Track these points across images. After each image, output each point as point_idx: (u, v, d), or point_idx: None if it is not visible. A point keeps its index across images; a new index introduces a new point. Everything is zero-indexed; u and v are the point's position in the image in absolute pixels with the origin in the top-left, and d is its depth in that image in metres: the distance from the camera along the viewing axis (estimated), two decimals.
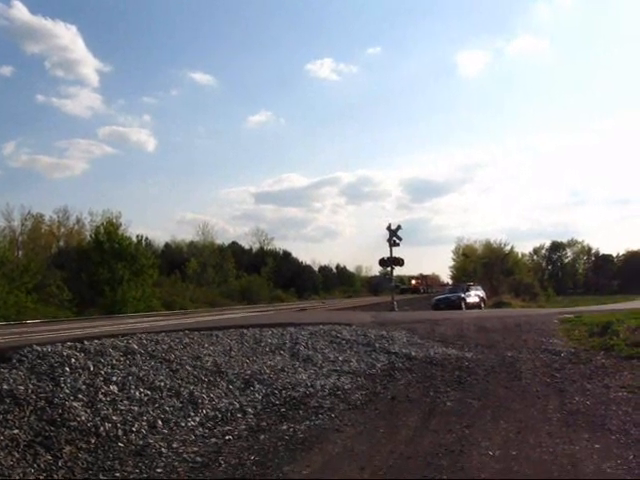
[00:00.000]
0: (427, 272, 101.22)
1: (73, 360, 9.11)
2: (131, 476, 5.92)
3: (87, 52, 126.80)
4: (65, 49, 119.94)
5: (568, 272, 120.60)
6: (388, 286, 43.26)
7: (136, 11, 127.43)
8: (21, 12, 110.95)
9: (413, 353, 13.57)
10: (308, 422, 7.99)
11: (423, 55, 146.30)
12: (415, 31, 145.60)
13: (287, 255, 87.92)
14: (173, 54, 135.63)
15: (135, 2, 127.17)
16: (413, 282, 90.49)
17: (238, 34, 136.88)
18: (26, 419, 6.89)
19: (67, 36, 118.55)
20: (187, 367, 10.06)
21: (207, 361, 10.67)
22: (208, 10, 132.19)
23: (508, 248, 79.29)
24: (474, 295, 40.91)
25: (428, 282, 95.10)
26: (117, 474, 5.96)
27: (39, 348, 9.54)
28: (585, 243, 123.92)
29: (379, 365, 12.33)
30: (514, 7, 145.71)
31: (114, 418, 7.42)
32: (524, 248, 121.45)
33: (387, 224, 35.17)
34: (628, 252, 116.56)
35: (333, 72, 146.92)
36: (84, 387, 8.17)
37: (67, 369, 8.70)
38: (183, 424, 7.79)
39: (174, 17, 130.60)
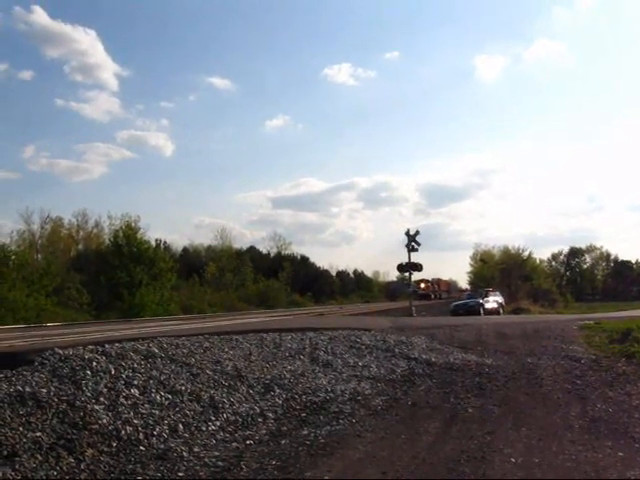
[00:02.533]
0: (445, 277, 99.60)
1: (94, 363, 9.15)
2: None
3: (106, 56, 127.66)
4: (84, 54, 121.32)
5: (587, 278, 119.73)
6: (406, 291, 43.17)
7: (155, 16, 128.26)
8: (41, 17, 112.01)
9: (433, 359, 13.53)
10: (329, 427, 7.97)
11: (441, 60, 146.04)
12: (433, 36, 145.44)
13: (305, 260, 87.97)
14: (191, 59, 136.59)
15: (154, 7, 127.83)
16: (422, 286, 79.57)
17: (256, 38, 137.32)
18: (48, 422, 6.92)
19: (86, 41, 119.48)
20: (207, 371, 10.07)
21: (227, 365, 10.67)
22: (226, 15, 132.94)
23: (526, 254, 78.84)
24: (492, 301, 40.81)
25: (441, 287, 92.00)
26: (139, 478, 5.96)
27: (61, 351, 9.59)
28: (604, 249, 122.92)
29: (399, 371, 12.29)
30: (533, 12, 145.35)
31: (135, 422, 7.44)
32: (542, 254, 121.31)
33: (405, 229, 35.14)
34: None
35: (351, 77, 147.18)
36: (105, 390, 8.20)
37: (89, 372, 8.73)
38: (204, 428, 7.79)
39: (192, 22, 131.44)
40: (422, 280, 78.41)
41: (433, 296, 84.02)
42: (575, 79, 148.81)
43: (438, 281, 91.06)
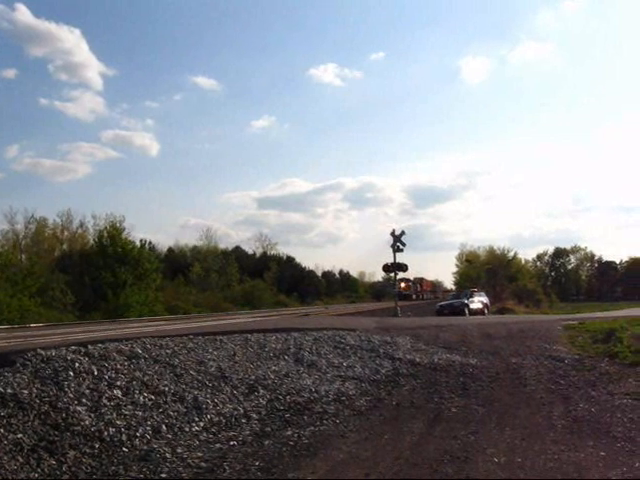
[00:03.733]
0: (430, 277, 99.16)
1: (77, 364, 9.08)
2: None
3: (91, 55, 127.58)
4: (69, 52, 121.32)
5: (571, 278, 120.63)
6: (391, 292, 43.24)
7: (141, 15, 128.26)
8: (24, 15, 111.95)
9: (417, 359, 13.55)
10: (313, 428, 7.97)
11: (427, 61, 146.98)
12: (419, 37, 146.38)
13: (290, 260, 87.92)
14: (177, 58, 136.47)
15: (140, 6, 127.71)
16: (402, 285, 67.72)
17: (242, 39, 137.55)
18: (30, 423, 6.87)
19: (71, 39, 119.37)
20: (191, 372, 10.04)
21: (211, 366, 10.64)
22: (212, 14, 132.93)
23: (511, 254, 79.39)
24: (477, 301, 40.88)
25: (424, 286, 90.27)
26: (121, 479, 5.94)
27: (43, 352, 9.50)
28: (588, 250, 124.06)
29: (383, 371, 12.30)
30: (518, 14, 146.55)
31: (118, 423, 7.41)
32: (527, 254, 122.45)
33: (390, 230, 35.08)
34: (631, 259, 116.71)
35: (337, 77, 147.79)
36: (88, 391, 8.15)
37: (71, 373, 8.66)
38: (187, 429, 7.77)
39: (178, 21, 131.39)
40: (402, 279, 70.22)
41: (415, 296, 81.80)
42: (561, 81, 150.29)
43: (420, 280, 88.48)
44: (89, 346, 10.47)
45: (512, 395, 10.13)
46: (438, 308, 40.38)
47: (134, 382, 8.93)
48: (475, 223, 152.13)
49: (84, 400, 7.84)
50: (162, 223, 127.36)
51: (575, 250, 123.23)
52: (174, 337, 12.78)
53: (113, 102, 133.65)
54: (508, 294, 66.20)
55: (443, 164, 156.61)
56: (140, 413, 7.89)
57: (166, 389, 8.91)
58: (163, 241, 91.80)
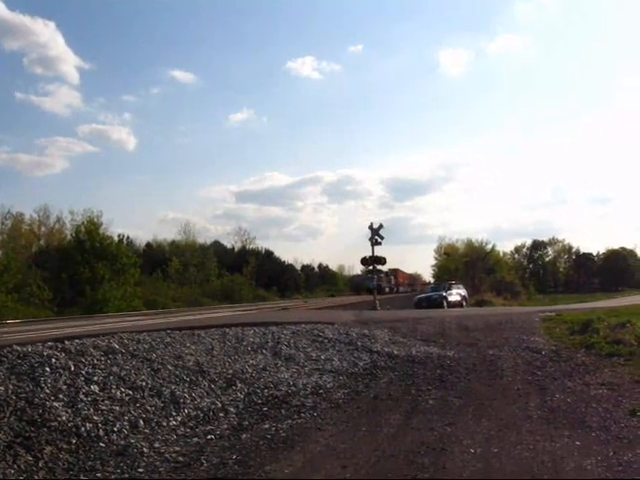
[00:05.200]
0: (409, 270, 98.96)
1: (54, 360, 9.03)
2: (112, 476, 5.89)
3: (67, 49, 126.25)
4: (44, 46, 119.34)
5: (549, 270, 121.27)
6: (371, 285, 43.28)
7: (118, 8, 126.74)
8: None
9: (395, 352, 13.60)
10: (290, 421, 7.99)
11: (405, 53, 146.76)
12: (397, 29, 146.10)
13: (269, 254, 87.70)
14: (154, 52, 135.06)
15: None
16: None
17: (219, 32, 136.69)
18: (6, 420, 6.82)
19: (46, 33, 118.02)
20: (169, 366, 10.00)
21: (189, 360, 10.62)
22: (190, 8, 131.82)
23: (489, 247, 79.73)
24: (456, 294, 41.06)
25: (399, 279, 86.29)
26: (98, 474, 5.92)
27: (19, 348, 9.44)
28: (566, 242, 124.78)
29: (361, 364, 12.33)
30: (496, 5, 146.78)
31: (95, 418, 7.37)
32: (505, 247, 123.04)
33: (369, 223, 35.08)
34: (608, 250, 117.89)
35: (315, 70, 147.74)
36: (65, 387, 8.12)
37: (48, 369, 8.62)
38: (165, 424, 7.76)
39: (156, 15, 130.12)
40: (375, 271, 66.47)
41: (388, 289, 76.63)
42: (539, 73, 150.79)
43: (395, 272, 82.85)
44: (66, 342, 10.42)
45: (489, 386, 10.20)
46: (416, 301, 40.52)
47: (111, 377, 8.89)
48: (454, 215, 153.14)
49: (61, 396, 7.80)
50: (140, 218, 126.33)
51: (553, 242, 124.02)
52: (152, 332, 12.75)
53: (90, 96, 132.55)
54: (486, 286, 66.65)
55: (422, 156, 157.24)
56: (117, 408, 7.86)
57: (143, 384, 8.89)
58: (141, 236, 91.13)
